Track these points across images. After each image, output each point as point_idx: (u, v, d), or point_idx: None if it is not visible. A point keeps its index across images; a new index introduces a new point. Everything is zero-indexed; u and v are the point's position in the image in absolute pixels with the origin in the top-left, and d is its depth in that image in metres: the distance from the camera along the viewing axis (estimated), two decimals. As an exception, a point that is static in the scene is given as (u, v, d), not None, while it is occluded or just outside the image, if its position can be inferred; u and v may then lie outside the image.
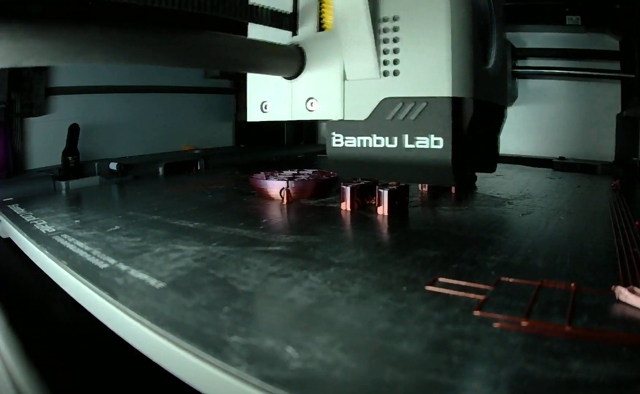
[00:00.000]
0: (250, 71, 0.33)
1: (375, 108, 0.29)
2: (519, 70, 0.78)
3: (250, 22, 0.30)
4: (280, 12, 0.31)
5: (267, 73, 0.33)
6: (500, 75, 0.33)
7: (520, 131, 0.80)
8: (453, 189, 0.49)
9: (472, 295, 0.21)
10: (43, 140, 0.66)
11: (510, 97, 0.78)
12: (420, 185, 0.50)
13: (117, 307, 0.21)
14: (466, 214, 0.40)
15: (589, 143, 0.73)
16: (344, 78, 0.30)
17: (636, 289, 0.21)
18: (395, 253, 0.27)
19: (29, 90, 0.65)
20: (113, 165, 0.64)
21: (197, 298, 0.21)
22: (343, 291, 0.22)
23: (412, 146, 0.28)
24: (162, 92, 0.82)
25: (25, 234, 0.35)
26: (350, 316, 0.19)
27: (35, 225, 0.37)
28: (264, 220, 0.37)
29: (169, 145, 0.81)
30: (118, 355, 0.22)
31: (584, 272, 0.24)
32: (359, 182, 0.41)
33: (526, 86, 0.78)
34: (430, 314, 0.19)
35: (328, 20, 0.31)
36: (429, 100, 0.27)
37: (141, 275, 0.24)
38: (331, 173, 0.49)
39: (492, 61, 0.32)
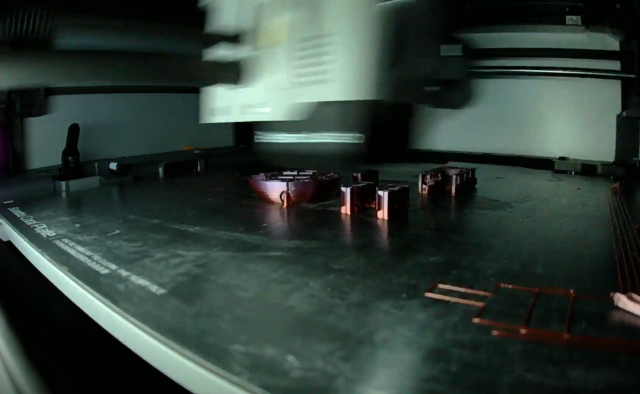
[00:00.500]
0: (205, 84, 0.40)
1: (304, 110, 0.34)
2: (520, 70, 0.77)
3: (203, 47, 0.37)
4: (228, 34, 0.37)
5: (219, 85, 0.39)
6: (414, 78, 0.38)
7: (521, 131, 0.80)
8: (453, 192, 0.49)
9: (471, 302, 0.21)
10: (43, 140, 0.66)
11: (467, 96, 0.80)
12: (420, 188, 0.50)
13: (119, 314, 0.21)
14: (466, 218, 0.40)
15: (589, 143, 0.73)
16: (277, 87, 0.35)
17: (635, 296, 0.21)
18: (395, 258, 0.27)
19: (29, 90, 0.65)
20: (113, 165, 0.64)
21: (198, 305, 0.21)
22: (343, 298, 0.22)
23: (331, 141, 0.34)
24: (162, 92, 0.82)
25: (26, 238, 0.35)
26: (351, 324, 0.19)
27: (35, 229, 0.37)
28: (264, 225, 0.37)
29: (169, 145, 0.81)
30: (118, 355, 0.22)
31: (583, 278, 0.25)
32: (359, 184, 0.41)
33: (526, 86, 0.78)
34: (430, 322, 0.19)
35: (266, 38, 0.36)
36: (344, 103, 0.32)
37: (142, 281, 0.24)
38: (332, 174, 0.49)
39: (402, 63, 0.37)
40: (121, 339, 0.21)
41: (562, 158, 0.71)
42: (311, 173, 0.50)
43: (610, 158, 0.70)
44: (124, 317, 0.21)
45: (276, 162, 0.40)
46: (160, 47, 0.33)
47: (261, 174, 0.49)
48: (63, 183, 0.56)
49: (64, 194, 0.56)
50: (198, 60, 0.36)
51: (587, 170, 0.68)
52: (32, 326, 0.32)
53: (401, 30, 0.36)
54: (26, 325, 0.31)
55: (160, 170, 0.69)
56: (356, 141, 0.33)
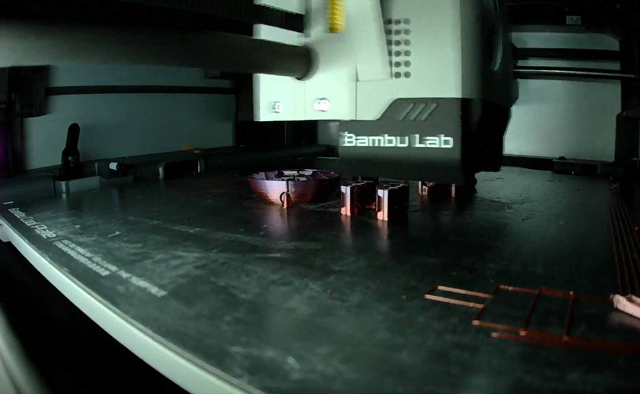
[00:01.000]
0: (261, 72, 0.34)
1: (386, 109, 0.31)
2: (520, 70, 0.78)
3: (261, 23, 0.30)
4: (290, 13, 0.31)
5: (278, 74, 0.33)
6: (505, 77, 0.34)
7: (520, 131, 0.80)
8: (453, 193, 0.49)
9: (471, 304, 0.21)
10: (43, 140, 0.66)
11: (512, 98, 0.78)
12: (420, 189, 0.50)
13: (119, 316, 0.21)
14: (466, 219, 0.40)
15: (589, 143, 0.73)
16: (356, 79, 0.31)
17: (634, 298, 0.21)
18: (395, 260, 0.27)
19: (29, 90, 0.65)
20: (113, 165, 0.64)
21: (199, 307, 0.21)
22: (343, 300, 0.22)
23: (422, 145, 0.30)
24: (162, 92, 0.82)
25: (26, 240, 0.35)
26: (350, 326, 0.19)
27: (36, 230, 0.38)
28: (264, 226, 0.37)
29: (169, 145, 0.81)
30: (118, 355, 0.22)
31: (583, 280, 0.25)
32: (358, 183, 0.41)
33: (526, 86, 0.78)
34: (430, 323, 0.19)
35: (338, 21, 0.32)
36: (439, 101, 0.29)
37: (142, 283, 0.25)
38: (332, 173, 0.49)
39: (497, 63, 0.33)
40: (121, 341, 0.21)
41: (562, 158, 0.71)
42: (311, 172, 0.50)
43: (610, 158, 0.70)
44: (124, 319, 0.21)
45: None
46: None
47: (261, 174, 0.49)
48: (63, 183, 0.56)
49: (64, 195, 0.56)
50: (261, 41, 0.31)
51: (587, 170, 0.68)
52: (32, 326, 0.32)
53: (491, 24, 0.33)
54: (26, 325, 0.31)
55: (161, 170, 0.69)
56: (450, 146, 0.29)
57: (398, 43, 0.30)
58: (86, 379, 0.28)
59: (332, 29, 0.32)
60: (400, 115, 0.30)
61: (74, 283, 0.26)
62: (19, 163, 0.64)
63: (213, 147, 0.79)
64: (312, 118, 0.33)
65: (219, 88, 0.95)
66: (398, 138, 0.31)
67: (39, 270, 0.32)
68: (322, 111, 0.33)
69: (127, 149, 0.75)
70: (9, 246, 0.40)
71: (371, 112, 0.31)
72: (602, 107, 0.72)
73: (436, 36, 0.28)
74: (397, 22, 0.30)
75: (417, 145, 0.30)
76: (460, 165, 0.29)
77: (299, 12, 0.32)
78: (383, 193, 0.38)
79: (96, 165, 0.63)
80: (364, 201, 0.41)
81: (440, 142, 0.29)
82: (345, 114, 0.32)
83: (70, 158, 0.59)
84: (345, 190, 0.40)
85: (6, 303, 0.33)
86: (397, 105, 0.30)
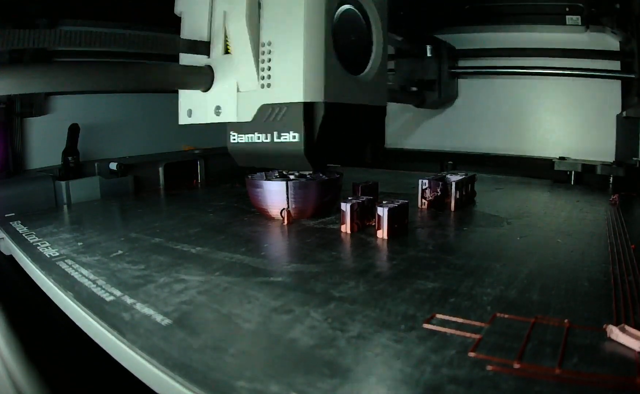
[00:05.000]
0: (176, 89, 0.44)
1: (256, 112, 0.38)
2: (520, 70, 0.78)
3: (174, 52, 0.41)
4: (200, 41, 0.40)
5: (188, 89, 0.43)
6: (377, 79, 0.41)
7: (521, 131, 0.80)
8: (452, 207, 0.49)
9: (468, 334, 0.22)
10: (43, 140, 0.66)
11: (450, 96, 0.84)
12: (419, 203, 0.50)
13: (126, 345, 0.22)
14: (465, 237, 0.40)
15: (589, 143, 0.73)
16: (238, 90, 0.39)
17: (627, 328, 0.22)
18: (394, 286, 0.28)
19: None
20: (113, 165, 0.64)
21: (203, 337, 0.22)
22: (343, 330, 0.22)
23: (279, 140, 0.37)
24: (162, 92, 0.82)
25: (29, 258, 0.36)
26: (351, 360, 0.20)
27: (38, 248, 0.38)
28: (265, 245, 0.38)
29: (169, 145, 0.81)
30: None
31: (578, 306, 0.25)
32: (358, 200, 0.41)
33: (527, 86, 0.79)
34: (427, 356, 0.20)
35: (230, 45, 0.40)
36: (289, 105, 0.36)
37: (147, 310, 0.25)
38: (335, 174, 0.49)
39: (368, 68, 0.41)
40: (128, 368, 0.22)
41: (562, 158, 0.71)
42: (308, 173, 0.49)
43: (610, 158, 0.70)
44: (131, 348, 0.22)
45: (247, 163, 0.42)
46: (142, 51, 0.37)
47: (260, 173, 0.50)
48: (63, 183, 0.57)
49: (65, 207, 0.56)
50: (171, 66, 0.40)
51: (587, 170, 0.68)
52: (32, 326, 0.32)
53: (359, 36, 0.40)
54: (26, 325, 0.31)
55: (161, 170, 0.69)
56: (296, 140, 0.36)
57: (263, 61, 0.37)
58: (86, 379, 0.28)
59: (226, 51, 0.40)
60: (264, 117, 0.38)
61: (80, 308, 0.26)
62: (19, 163, 0.64)
63: (213, 147, 0.79)
64: (213, 121, 0.41)
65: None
66: (264, 135, 0.38)
67: (43, 289, 0.32)
68: (218, 115, 0.41)
69: (127, 149, 0.75)
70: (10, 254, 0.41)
71: (247, 115, 0.39)
72: (602, 107, 0.72)
73: (289, 54, 0.36)
74: (263, 44, 0.37)
75: (276, 140, 0.37)
76: (304, 155, 0.36)
77: (206, 40, 0.41)
78: (383, 212, 0.39)
79: (96, 165, 0.64)
80: (364, 218, 0.42)
81: (290, 137, 0.36)
82: (232, 117, 0.39)
83: (70, 158, 0.60)
84: (345, 207, 0.41)
85: (6, 300, 0.33)
86: (263, 109, 0.38)
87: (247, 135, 0.39)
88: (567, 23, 0.72)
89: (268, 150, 0.38)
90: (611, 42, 0.71)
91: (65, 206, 0.56)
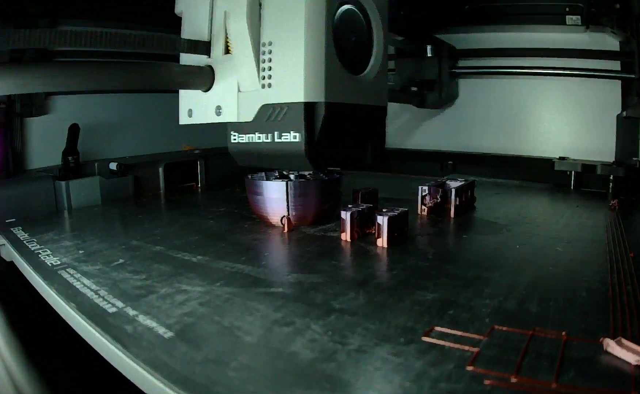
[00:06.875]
0: (177, 88, 0.44)
1: (257, 112, 0.38)
2: (520, 70, 0.78)
3: (175, 52, 0.41)
4: (201, 41, 0.40)
5: (188, 89, 0.43)
6: (378, 80, 0.41)
7: (521, 131, 0.80)
8: (452, 213, 0.50)
9: (466, 347, 0.22)
10: (43, 140, 0.66)
11: (450, 96, 0.85)
12: (419, 209, 0.51)
13: (129, 358, 0.22)
14: (464, 246, 0.40)
15: (589, 143, 0.74)
16: (239, 90, 0.39)
17: (623, 341, 0.22)
18: (394, 297, 0.28)
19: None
20: (113, 165, 0.64)
21: (205, 350, 0.22)
22: (344, 343, 0.23)
23: (280, 140, 0.37)
24: (163, 92, 0.82)
25: (31, 266, 0.36)
26: (351, 373, 0.20)
27: (40, 256, 0.38)
28: (266, 254, 0.38)
29: (169, 145, 0.81)
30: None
31: (576, 317, 0.25)
32: (359, 209, 0.42)
33: (527, 86, 0.79)
34: (426, 370, 0.20)
35: (231, 45, 0.40)
36: (289, 105, 0.36)
37: (149, 322, 0.25)
38: (335, 174, 0.49)
39: (369, 69, 0.41)
40: (132, 380, 0.22)
41: (562, 158, 0.72)
42: (308, 173, 0.50)
43: (610, 158, 0.70)
44: (134, 361, 0.22)
45: (248, 163, 0.42)
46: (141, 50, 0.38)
47: (260, 173, 0.50)
48: (63, 183, 0.57)
49: (65, 212, 0.56)
50: (171, 65, 0.40)
51: (587, 170, 0.68)
52: (32, 326, 0.33)
53: (359, 37, 0.40)
54: (26, 325, 0.31)
55: (161, 170, 0.69)
56: (297, 140, 0.36)
57: (264, 61, 0.37)
58: (86, 379, 0.28)
59: (227, 51, 0.40)
60: (265, 117, 0.38)
61: (83, 320, 0.26)
62: (19, 163, 0.64)
63: (213, 147, 0.79)
64: (214, 121, 0.41)
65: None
66: (264, 135, 0.38)
67: (45, 299, 0.32)
68: (219, 115, 0.41)
69: (127, 149, 0.75)
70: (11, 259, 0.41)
71: (248, 115, 0.39)
72: (602, 107, 0.73)
73: (289, 54, 0.36)
74: (264, 44, 0.37)
75: (277, 140, 0.37)
76: (305, 155, 0.36)
77: (206, 40, 0.40)
78: (382, 220, 0.39)
79: (96, 165, 0.64)
80: (364, 226, 0.42)
81: (291, 137, 0.36)
82: (233, 117, 0.39)
83: (70, 158, 0.60)
84: (345, 215, 0.41)
85: (6, 300, 0.33)
86: (264, 109, 0.38)
87: (247, 135, 0.39)
88: (567, 23, 0.72)
89: (269, 150, 0.38)
90: (611, 42, 0.71)
91: (65, 212, 0.56)
